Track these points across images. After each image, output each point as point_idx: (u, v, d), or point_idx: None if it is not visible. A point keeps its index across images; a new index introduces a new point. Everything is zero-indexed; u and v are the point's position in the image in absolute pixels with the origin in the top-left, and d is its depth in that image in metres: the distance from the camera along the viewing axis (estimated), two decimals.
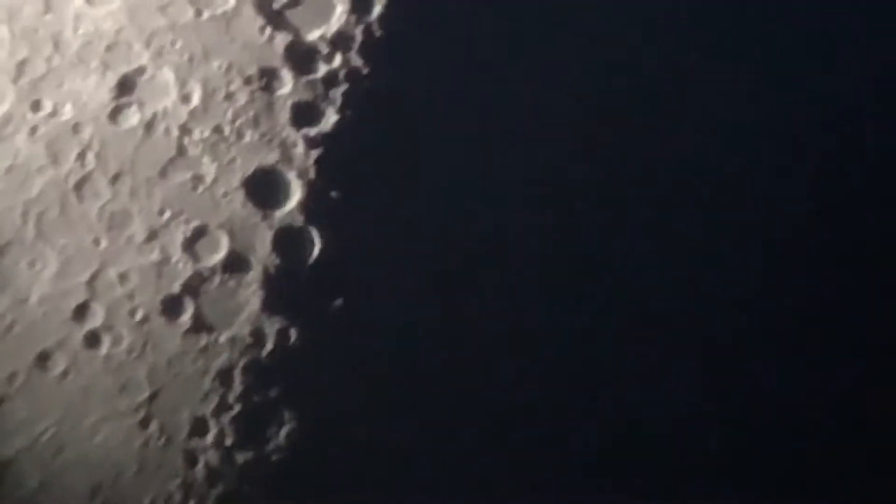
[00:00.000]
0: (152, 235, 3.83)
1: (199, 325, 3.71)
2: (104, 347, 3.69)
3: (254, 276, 3.77)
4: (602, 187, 3.98)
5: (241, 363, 3.66)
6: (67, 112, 4.04)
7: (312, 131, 4.00)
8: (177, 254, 3.81)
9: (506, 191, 4.03)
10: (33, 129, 4.00)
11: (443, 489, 3.60)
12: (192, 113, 4.01)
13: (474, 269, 3.87)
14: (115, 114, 4.03)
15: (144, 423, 3.60)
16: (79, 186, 3.91)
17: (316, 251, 3.81)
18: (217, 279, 3.77)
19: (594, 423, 3.68)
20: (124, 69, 4.07)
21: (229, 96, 4.03)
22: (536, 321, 3.81)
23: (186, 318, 3.72)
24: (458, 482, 3.61)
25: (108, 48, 4.03)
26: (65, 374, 3.66)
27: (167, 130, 3.98)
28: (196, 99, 4.03)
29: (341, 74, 4.08)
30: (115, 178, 3.92)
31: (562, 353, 3.75)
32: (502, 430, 3.65)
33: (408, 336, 3.73)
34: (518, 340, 3.79)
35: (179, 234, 3.84)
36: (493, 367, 3.76)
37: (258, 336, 3.70)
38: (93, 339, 3.70)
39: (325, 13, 4.03)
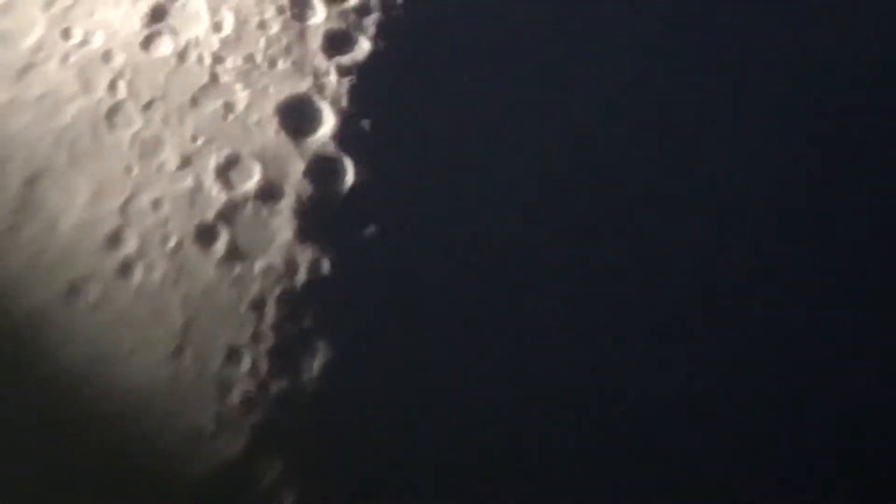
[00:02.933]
0: (185, 163, 3.51)
1: (233, 253, 3.39)
2: (137, 276, 3.36)
3: (286, 204, 3.44)
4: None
5: (275, 292, 3.33)
6: (98, 40, 3.73)
7: (345, 59, 3.68)
8: (209, 181, 3.47)
9: (544, 125, 3.69)
10: (64, 57, 3.68)
11: (478, 417, 3.28)
12: (225, 41, 3.71)
13: (505, 195, 3.54)
14: (146, 42, 3.72)
15: (178, 352, 3.28)
16: (110, 114, 3.59)
17: (349, 180, 3.48)
18: (250, 207, 3.44)
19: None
20: None
21: (262, 24, 3.72)
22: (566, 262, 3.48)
23: (220, 246, 3.40)
24: (493, 409, 3.29)
25: None
26: (97, 303, 3.33)
27: (199, 58, 3.67)
28: (228, 27, 3.72)
29: (374, 2, 3.75)
30: (147, 106, 3.60)
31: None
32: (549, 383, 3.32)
33: (441, 266, 3.39)
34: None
35: (212, 162, 3.51)
36: (524, 304, 3.42)
37: (291, 265, 3.37)
38: (125, 268, 3.38)
39: None
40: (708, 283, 3.54)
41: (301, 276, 3.38)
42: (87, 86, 3.65)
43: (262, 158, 3.53)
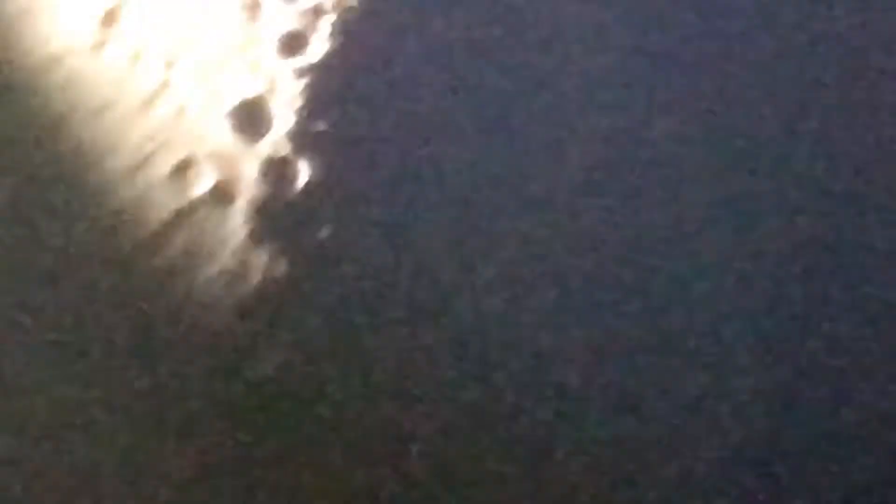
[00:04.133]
0: (135, 167, 3.40)
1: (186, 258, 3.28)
2: None
3: (240, 206, 3.34)
4: None
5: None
6: (51, 45, 3.61)
7: (299, 61, 3.57)
8: (162, 185, 3.37)
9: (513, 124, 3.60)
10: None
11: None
12: (177, 43, 3.59)
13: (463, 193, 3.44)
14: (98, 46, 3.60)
15: None
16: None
17: (303, 181, 3.38)
18: (203, 211, 3.34)
19: None
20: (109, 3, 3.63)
21: (215, 26, 3.61)
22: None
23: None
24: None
25: None
26: None
27: (151, 62, 3.56)
28: (180, 29, 3.61)
29: (329, 4, 3.66)
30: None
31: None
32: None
33: (399, 267, 3.30)
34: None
35: (165, 166, 3.41)
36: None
37: (245, 268, 3.27)
38: None
39: None
40: None
41: (254, 280, 3.28)
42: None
43: (217, 161, 3.43)
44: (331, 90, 3.56)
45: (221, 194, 3.39)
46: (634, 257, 3.39)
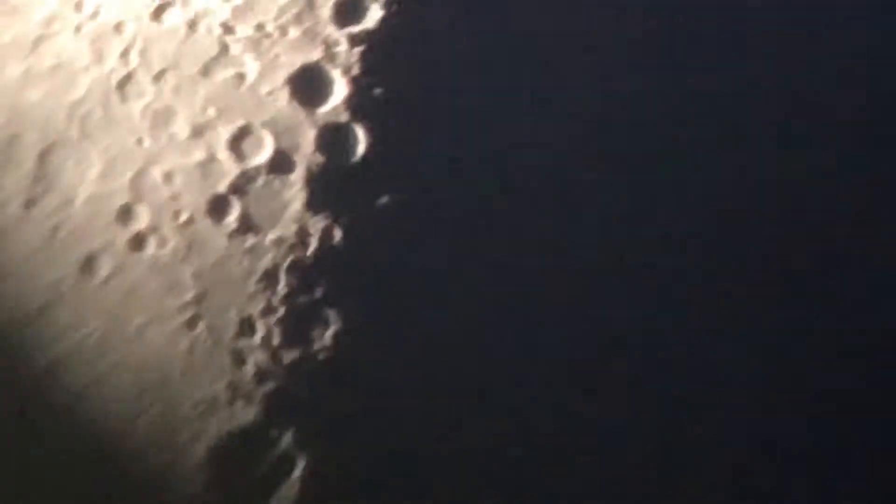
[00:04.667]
0: (196, 134, 3.40)
1: (245, 225, 3.29)
2: (149, 249, 3.28)
3: (298, 174, 3.34)
4: None
5: (286, 263, 3.23)
6: (109, 12, 3.61)
7: (356, 28, 3.54)
8: (222, 153, 3.37)
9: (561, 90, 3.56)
10: (77, 29, 3.56)
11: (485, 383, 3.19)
12: (235, 10, 3.57)
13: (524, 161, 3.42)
14: (157, 12, 3.59)
15: (191, 324, 3.21)
16: (122, 85, 3.47)
17: (360, 149, 3.37)
18: (262, 178, 3.34)
19: None
20: None
21: None
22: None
23: (232, 218, 3.31)
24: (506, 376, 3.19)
25: None
26: (109, 277, 3.25)
27: (209, 28, 3.54)
28: None
29: None
30: (159, 77, 3.48)
31: None
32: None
33: (452, 234, 3.29)
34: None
35: (224, 133, 3.40)
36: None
37: (303, 236, 3.27)
38: (138, 241, 3.29)
39: None
40: None
41: (313, 247, 3.29)
42: (99, 57, 3.55)
43: (274, 129, 3.43)
44: (388, 57, 3.54)
45: (279, 162, 3.39)
46: None
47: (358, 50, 3.52)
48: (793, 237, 3.44)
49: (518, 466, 3.09)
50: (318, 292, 3.24)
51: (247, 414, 3.16)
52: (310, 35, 3.56)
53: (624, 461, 3.14)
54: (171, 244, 3.29)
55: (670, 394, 3.21)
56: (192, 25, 3.58)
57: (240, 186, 3.34)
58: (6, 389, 3.18)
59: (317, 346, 3.20)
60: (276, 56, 3.53)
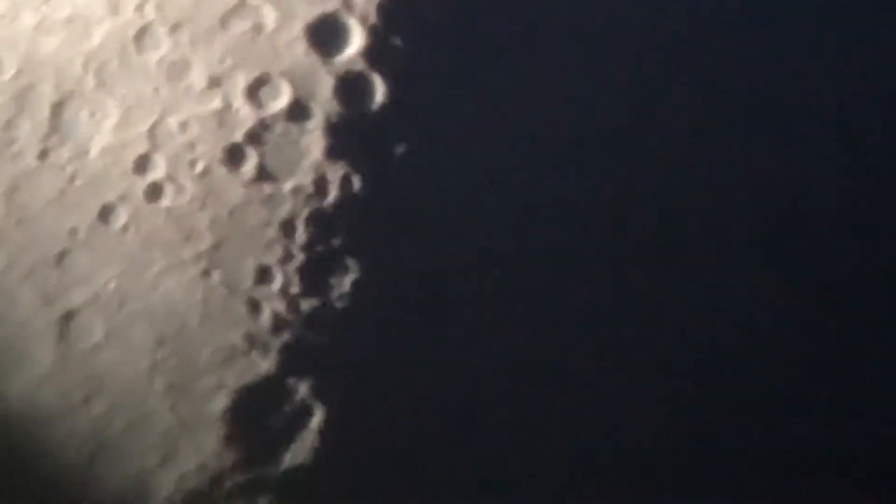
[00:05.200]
0: (213, 83, 3.33)
1: (262, 174, 3.23)
2: (166, 199, 3.23)
3: (316, 123, 3.27)
4: None
5: (305, 212, 3.18)
6: None
7: None
8: (238, 102, 3.30)
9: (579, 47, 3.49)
10: None
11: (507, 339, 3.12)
12: None
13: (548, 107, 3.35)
14: None
15: (208, 274, 3.16)
16: (138, 36, 3.41)
17: (378, 98, 3.30)
18: (279, 127, 3.27)
19: None
20: None
21: None
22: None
23: (249, 167, 3.25)
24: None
25: None
26: (126, 226, 3.20)
27: None
28: None
29: None
30: (175, 28, 3.41)
31: None
32: None
33: (470, 183, 3.22)
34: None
35: (241, 82, 3.33)
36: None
37: (321, 184, 3.21)
38: (155, 191, 3.24)
39: None
40: None
41: (331, 196, 3.22)
42: (115, 8, 3.48)
43: (291, 78, 3.36)
44: (405, 6, 3.47)
45: (297, 111, 3.32)
46: None
47: None
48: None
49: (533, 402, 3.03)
50: (337, 241, 3.19)
51: (264, 363, 3.12)
52: None
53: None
54: (187, 193, 3.23)
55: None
56: None
57: (257, 135, 3.28)
58: (25, 337, 3.13)
59: (335, 294, 3.15)
60: (294, 6, 3.45)
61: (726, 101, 3.45)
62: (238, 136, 3.29)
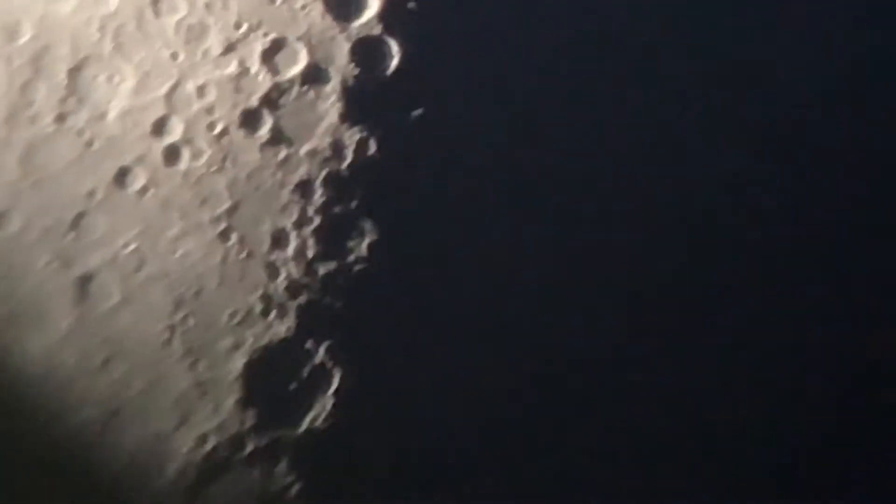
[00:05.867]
0: (230, 48, 3.30)
1: (279, 137, 3.21)
2: (183, 162, 3.20)
3: (332, 87, 3.25)
4: None
5: (321, 175, 3.15)
6: None
7: None
8: (255, 66, 3.27)
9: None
10: None
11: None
12: None
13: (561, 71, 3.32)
14: None
15: (225, 237, 3.13)
16: (155, 1, 3.37)
17: (394, 62, 3.27)
18: (295, 91, 3.25)
19: None
20: None
21: None
22: None
23: (265, 130, 3.22)
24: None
25: None
26: (144, 189, 3.18)
27: None
28: None
29: None
30: None
31: None
32: None
33: (486, 146, 3.20)
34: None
35: (257, 47, 3.30)
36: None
37: (337, 148, 3.18)
38: (172, 154, 3.21)
39: None
40: None
41: (347, 159, 3.20)
42: None
43: (308, 42, 3.33)
44: None
45: (313, 75, 3.29)
46: None
47: None
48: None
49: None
50: (354, 204, 3.16)
51: (281, 326, 3.09)
52: None
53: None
54: (205, 156, 3.20)
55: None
56: None
57: (273, 99, 3.26)
58: (42, 299, 3.11)
59: (352, 257, 3.12)
60: None
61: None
62: (255, 100, 3.27)
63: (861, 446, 3.13)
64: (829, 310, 3.20)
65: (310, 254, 3.12)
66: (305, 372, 3.07)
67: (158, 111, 3.27)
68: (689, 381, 3.11)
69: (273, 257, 3.12)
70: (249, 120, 3.24)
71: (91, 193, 3.20)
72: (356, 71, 3.28)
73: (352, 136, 3.21)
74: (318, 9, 3.36)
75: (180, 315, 3.10)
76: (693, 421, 3.08)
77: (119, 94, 3.29)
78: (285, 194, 3.17)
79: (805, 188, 3.31)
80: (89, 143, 3.25)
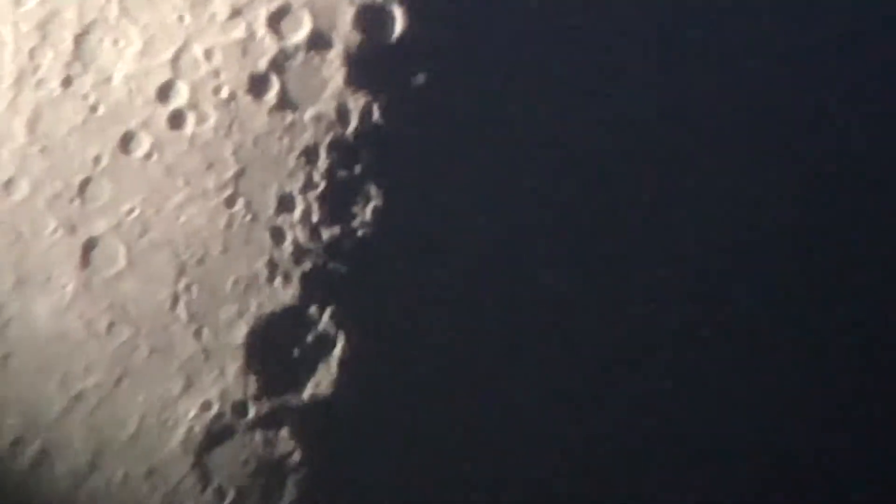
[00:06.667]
0: (236, 13, 3.25)
1: (285, 102, 3.14)
2: (189, 127, 3.15)
3: (336, 53, 3.19)
4: None
5: (327, 140, 3.10)
6: None
7: None
8: (261, 31, 3.22)
9: None
10: None
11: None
12: None
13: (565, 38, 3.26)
14: None
15: (230, 202, 3.08)
16: None
17: (398, 28, 3.21)
18: (301, 56, 3.18)
19: None
20: None
21: None
22: None
23: (272, 95, 3.16)
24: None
25: None
26: (149, 154, 3.13)
27: None
28: None
29: None
30: None
31: None
32: None
33: (489, 110, 3.14)
34: None
35: (263, 12, 3.24)
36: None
37: (342, 113, 3.12)
38: (177, 119, 3.16)
39: None
40: None
41: (352, 124, 3.14)
42: None
43: (312, 8, 3.27)
44: None
45: (318, 41, 3.23)
46: None
47: None
48: None
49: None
50: (358, 168, 3.11)
51: (286, 292, 3.05)
52: None
53: None
54: (210, 121, 3.16)
55: None
56: None
57: (279, 63, 3.20)
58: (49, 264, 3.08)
59: (356, 222, 3.07)
60: None
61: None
62: (261, 65, 3.21)
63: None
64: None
65: (315, 219, 3.07)
66: (309, 339, 3.03)
67: (164, 75, 3.22)
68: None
69: (279, 223, 3.07)
70: (256, 84, 3.19)
71: (97, 159, 3.16)
72: (360, 37, 3.22)
73: (356, 102, 3.16)
74: None
75: (185, 281, 3.06)
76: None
77: (125, 59, 3.24)
78: (291, 160, 3.12)
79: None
80: (94, 108, 3.20)
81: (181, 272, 3.07)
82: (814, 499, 3.07)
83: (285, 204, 3.09)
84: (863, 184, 3.35)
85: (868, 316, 3.22)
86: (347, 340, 3.01)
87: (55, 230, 3.11)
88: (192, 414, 3.02)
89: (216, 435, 3.00)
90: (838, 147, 3.35)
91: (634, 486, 3.00)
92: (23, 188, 3.15)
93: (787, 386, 3.13)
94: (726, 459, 3.05)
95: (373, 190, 3.09)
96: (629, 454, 3.03)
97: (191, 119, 3.17)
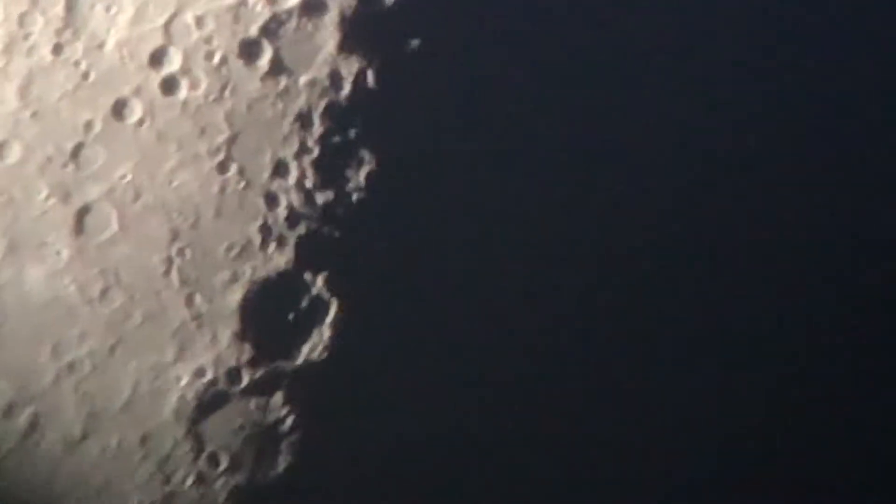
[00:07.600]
0: None
1: (278, 67, 3.08)
2: (182, 92, 3.09)
3: (330, 18, 3.12)
4: None
5: (320, 105, 3.04)
6: None
7: None
8: None
9: None
10: None
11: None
12: None
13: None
14: None
15: (223, 167, 3.03)
16: None
17: None
18: (294, 22, 3.12)
19: None
20: None
21: None
22: None
23: (265, 61, 3.11)
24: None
25: None
26: (141, 120, 3.07)
27: None
28: None
29: None
30: None
31: None
32: None
33: (484, 76, 3.09)
34: None
35: None
36: None
37: (335, 79, 3.06)
38: (170, 85, 3.10)
39: None
40: None
41: (346, 89, 3.08)
42: None
43: None
44: None
45: (311, 5, 3.18)
46: None
47: None
48: None
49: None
50: (352, 133, 3.06)
51: (280, 258, 3.00)
52: None
53: None
54: (203, 86, 3.10)
55: None
56: None
57: (272, 29, 3.14)
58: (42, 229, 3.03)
59: (350, 186, 3.02)
60: None
61: None
62: (253, 31, 3.16)
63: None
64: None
65: (309, 184, 3.02)
66: (303, 304, 2.98)
67: (156, 41, 3.16)
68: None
69: (273, 187, 3.02)
70: (249, 50, 3.13)
71: (89, 125, 3.10)
72: (354, 2, 3.16)
73: (350, 67, 3.10)
74: None
75: (177, 246, 3.01)
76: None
77: (117, 25, 3.18)
78: (285, 125, 3.06)
79: None
80: (87, 74, 3.14)
81: (174, 237, 3.02)
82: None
83: (279, 169, 3.04)
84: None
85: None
86: (340, 305, 2.96)
87: (48, 196, 3.05)
88: (185, 381, 2.97)
89: (210, 401, 2.95)
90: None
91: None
92: (15, 152, 3.09)
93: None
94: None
95: (367, 155, 3.04)
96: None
97: (183, 85, 3.12)
